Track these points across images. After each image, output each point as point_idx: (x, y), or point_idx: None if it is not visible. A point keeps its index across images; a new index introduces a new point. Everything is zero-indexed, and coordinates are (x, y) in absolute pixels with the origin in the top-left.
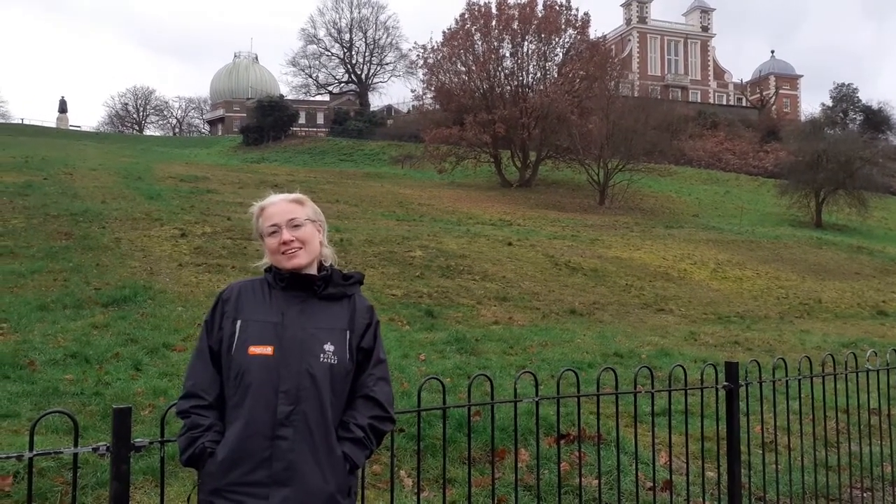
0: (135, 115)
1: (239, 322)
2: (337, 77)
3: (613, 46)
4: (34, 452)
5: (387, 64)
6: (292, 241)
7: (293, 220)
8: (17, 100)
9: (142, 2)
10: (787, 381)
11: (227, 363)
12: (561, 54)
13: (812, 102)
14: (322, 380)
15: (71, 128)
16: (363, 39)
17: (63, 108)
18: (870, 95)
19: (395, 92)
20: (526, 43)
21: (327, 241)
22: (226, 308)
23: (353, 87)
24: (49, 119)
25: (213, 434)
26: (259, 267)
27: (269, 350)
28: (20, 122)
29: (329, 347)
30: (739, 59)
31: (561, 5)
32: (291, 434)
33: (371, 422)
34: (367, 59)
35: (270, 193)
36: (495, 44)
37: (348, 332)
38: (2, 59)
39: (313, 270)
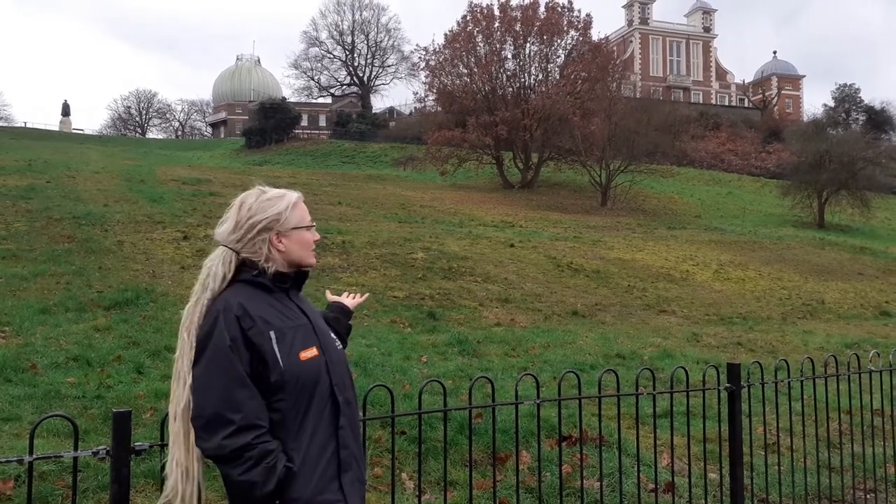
0: (137, 118)
1: (273, 333)
2: (339, 79)
3: (615, 48)
4: (34, 456)
5: (389, 66)
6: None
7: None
8: (20, 103)
9: (143, 3)
10: (789, 383)
11: (277, 378)
12: (563, 56)
13: (818, 92)
14: (348, 364)
15: (74, 131)
16: (365, 42)
17: (66, 111)
18: (874, 92)
19: (397, 94)
20: (528, 45)
21: None
22: (244, 324)
23: (355, 89)
24: (52, 122)
25: (283, 454)
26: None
27: (315, 351)
28: (23, 125)
29: (333, 335)
30: (743, 53)
31: (563, 7)
32: (345, 422)
33: None
34: (368, 61)
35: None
36: (497, 46)
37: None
38: (5, 63)
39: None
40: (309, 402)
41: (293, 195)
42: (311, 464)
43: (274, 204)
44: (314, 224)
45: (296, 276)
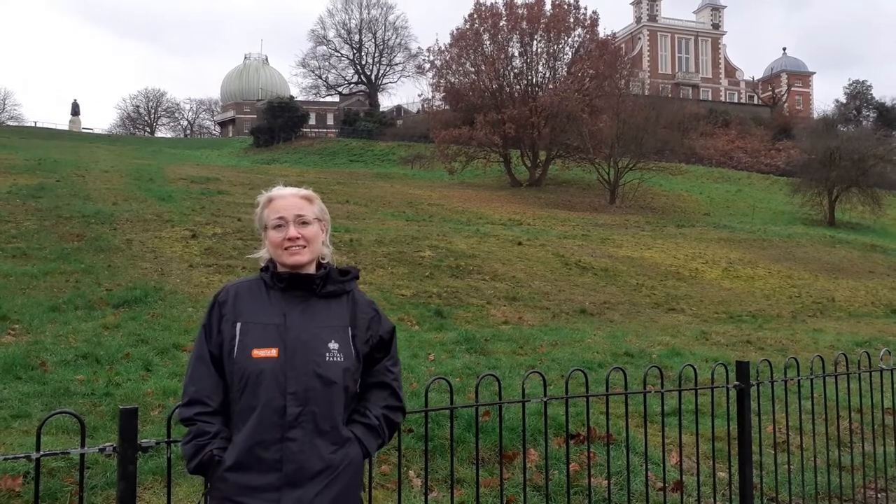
0: (146, 118)
1: (239, 325)
2: (346, 78)
3: (623, 45)
4: (41, 453)
5: (396, 64)
6: (298, 238)
7: (301, 217)
8: (30, 103)
9: (149, 4)
10: (799, 381)
11: (230, 368)
12: (570, 53)
13: (829, 83)
14: (329, 379)
15: (83, 130)
16: (372, 40)
17: (75, 110)
18: (887, 81)
19: (405, 92)
20: (535, 42)
21: (329, 241)
22: (224, 311)
23: (362, 87)
24: (62, 121)
25: (220, 441)
26: (256, 259)
27: (273, 352)
28: (33, 124)
29: (333, 346)
30: (752, 49)
31: (569, 4)
32: (300, 435)
33: (385, 412)
34: (376, 59)
35: (280, 184)
36: (504, 44)
37: (350, 328)
38: (16, 62)
39: (312, 269)
40: (254, 400)
41: (266, 194)
42: (241, 461)
43: (258, 204)
44: (282, 222)
45: (291, 279)
